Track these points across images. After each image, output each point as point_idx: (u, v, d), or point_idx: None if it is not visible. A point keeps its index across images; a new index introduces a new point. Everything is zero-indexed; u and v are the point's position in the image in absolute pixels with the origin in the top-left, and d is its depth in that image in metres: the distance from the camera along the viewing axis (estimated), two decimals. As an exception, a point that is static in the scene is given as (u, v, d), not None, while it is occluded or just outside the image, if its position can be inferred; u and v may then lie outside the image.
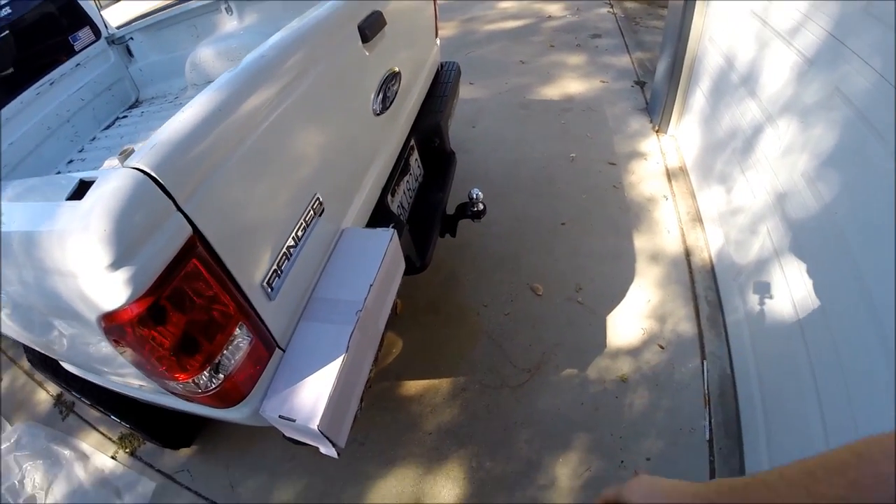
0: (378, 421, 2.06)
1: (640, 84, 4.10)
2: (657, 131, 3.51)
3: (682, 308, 2.30)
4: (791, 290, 1.65)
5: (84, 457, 2.26)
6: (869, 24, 1.41)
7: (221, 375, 1.05)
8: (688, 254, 2.56)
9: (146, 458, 2.16)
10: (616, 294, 2.41)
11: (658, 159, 3.24)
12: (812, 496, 0.47)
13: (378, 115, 1.74)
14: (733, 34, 2.45)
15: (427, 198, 2.18)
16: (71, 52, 2.70)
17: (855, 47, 1.46)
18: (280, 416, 1.14)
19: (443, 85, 2.40)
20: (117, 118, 2.90)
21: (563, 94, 4.10)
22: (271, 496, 1.94)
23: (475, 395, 2.08)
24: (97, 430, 2.31)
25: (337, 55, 1.45)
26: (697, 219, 2.75)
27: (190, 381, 1.01)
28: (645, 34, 5.00)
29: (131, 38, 2.94)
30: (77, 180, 0.90)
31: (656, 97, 3.56)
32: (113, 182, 0.85)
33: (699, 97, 2.96)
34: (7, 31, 2.43)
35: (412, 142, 2.12)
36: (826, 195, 1.53)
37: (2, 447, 2.28)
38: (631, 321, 2.27)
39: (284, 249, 1.22)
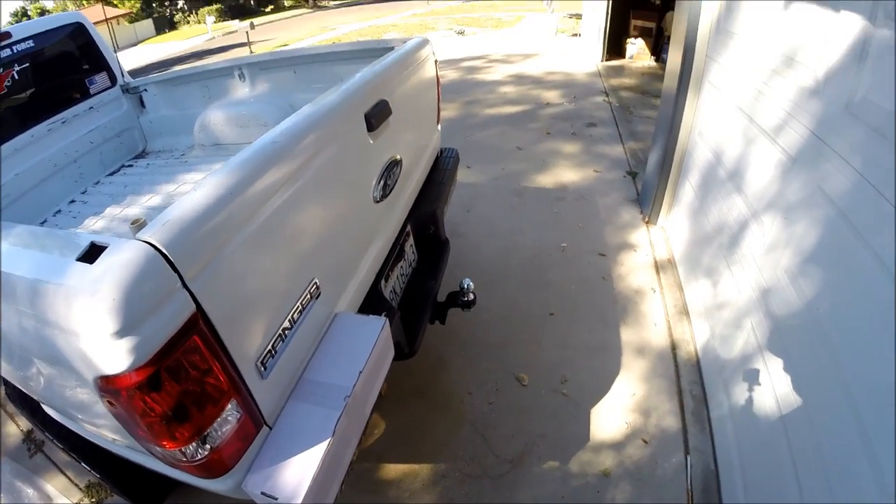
0: None
1: (633, 175, 4.27)
2: (647, 222, 3.63)
3: (667, 402, 2.31)
4: (774, 386, 1.67)
5: (48, 499, 2.20)
6: (849, 124, 1.44)
7: (208, 447, 1.08)
8: (674, 347, 2.60)
9: None
10: (601, 387, 2.42)
11: (647, 251, 3.34)
12: None
13: (378, 202, 1.82)
14: (721, 129, 2.56)
15: (419, 284, 2.22)
16: (86, 95, 2.81)
17: (836, 147, 1.49)
18: (262, 493, 1.16)
19: (441, 171, 2.50)
20: (123, 165, 2.99)
21: (557, 183, 4.27)
22: None
23: (455, 483, 2.06)
24: (64, 473, 2.29)
25: (343, 143, 1.54)
26: (684, 312, 2.80)
27: (177, 450, 1.03)
28: (638, 123, 5.25)
29: (145, 90, 3.06)
30: (89, 242, 0.95)
31: (647, 189, 3.70)
32: (125, 253, 0.90)
33: (688, 190, 3.07)
34: (28, 63, 2.53)
35: (408, 228, 2.19)
36: (808, 292, 1.55)
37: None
38: (615, 415, 2.27)
39: (280, 331, 1.26)
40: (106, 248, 0.92)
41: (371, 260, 1.82)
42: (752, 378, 1.86)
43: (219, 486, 1.20)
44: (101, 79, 2.91)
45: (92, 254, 0.92)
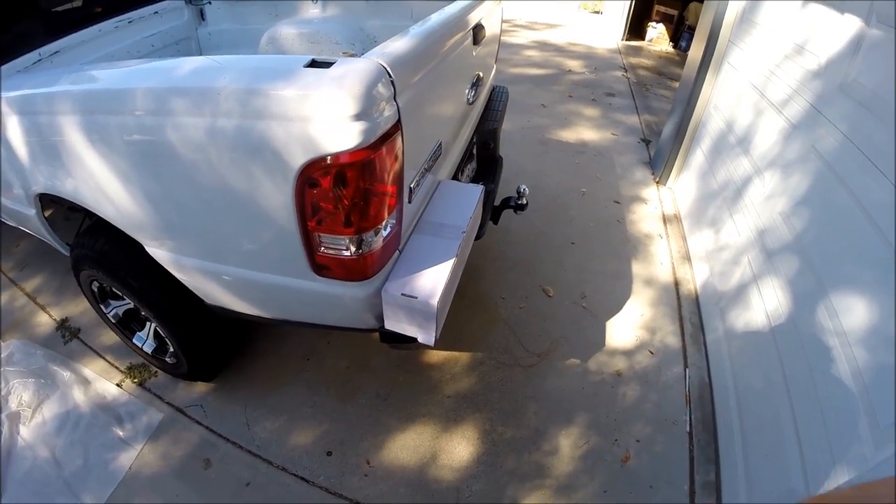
0: (401, 381, 2.31)
1: (646, 142, 4.58)
2: (658, 182, 3.96)
3: (670, 325, 2.66)
4: (766, 306, 2.02)
5: (85, 381, 2.21)
6: (841, 98, 1.84)
7: (364, 249, 1.32)
8: (676, 283, 2.95)
9: (156, 391, 2.22)
10: (614, 306, 2.77)
11: (656, 205, 3.68)
12: None
13: (469, 104, 2.16)
14: (735, 103, 2.91)
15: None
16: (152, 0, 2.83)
17: (829, 115, 1.89)
18: (402, 294, 1.43)
19: (496, 101, 2.78)
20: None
21: (577, 139, 4.57)
22: (289, 438, 2.05)
23: (490, 369, 2.38)
24: (103, 357, 2.36)
25: (462, 44, 1.86)
26: (687, 258, 3.15)
27: (348, 237, 1.27)
28: (653, 100, 5.55)
29: (209, 2, 3.08)
30: (310, 58, 1.20)
31: (660, 153, 4.02)
32: (360, 63, 1.16)
33: (699, 156, 3.41)
34: None
35: (474, 139, 2.48)
36: (798, 227, 1.93)
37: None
38: (626, 329, 2.63)
39: (423, 168, 1.58)
40: (333, 62, 1.17)
41: (457, 151, 2.16)
42: (746, 303, 2.21)
43: (358, 291, 1.44)
44: (165, -15, 2.95)
45: (318, 65, 1.18)
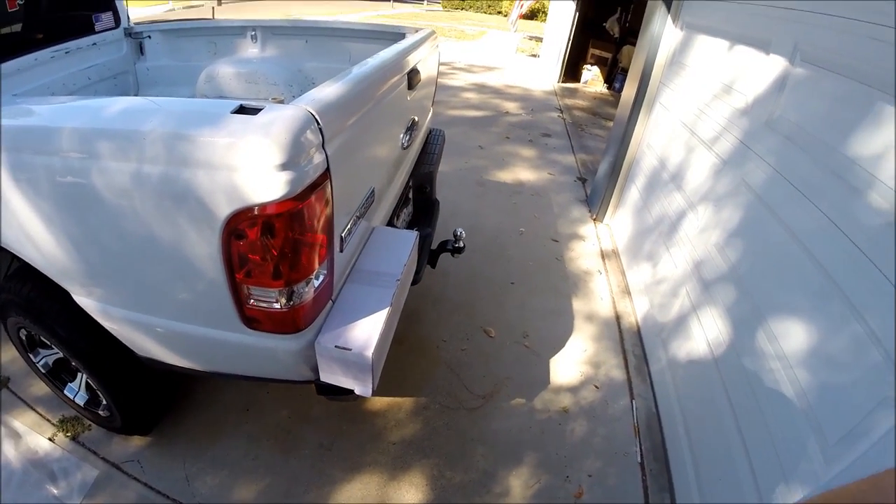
0: (344, 430, 2.22)
1: (582, 180, 4.74)
2: (595, 220, 4.09)
3: (613, 358, 2.70)
4: (706, 334, 2.07)
5: (15, 434, 2.08)
6: (768, 134, 1.95)
7: (294, 301, 1.27)
8: (618, 317, 3.01)
9: (90, 445, 2.08)
10: (557, 343, 2.79)
11: (594, 242, 3.78)
12: None
13: (403, 148, 2.15)
14: (667, 141, 3.06)
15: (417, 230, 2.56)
16: (90, 31, 2.74)
17: (757, 150, 2.00)
18: (336, 346, 1.37)
19: (432, 144, 2.82)
20: None
21: (514, 180, 4.68)
22: (231, 493, 1.95)
23: (435, 413, 2.33)
24: (34, 409, 2.21)
25: (396, 89, 1.86)
26: (626, 291, 3.23)
27: (277, 290, 1.23)
28: (589, 139, 5.78)
29: (148, 37, 3.02)
30: (238, 104, 1.15)
31: (596, 191, 4.16)
32: (288, 111, 1.13)
33: (634, 193, 3.55)
34: None
35: (409, 183, 2.48)
36: (732, 258, 2.01)
37: None
38: (570, 365, 2.64)
39: (355, 216, 1.54)
40: (261, 109, 1.14)
41: (392, 196, 2.13)
42: (686, 333, 2.27)
43: (291, 344, 1.38)
44: (106, 17, 2.87)
45: (244, 111, 1.14)
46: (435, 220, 2.64)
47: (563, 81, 8.53)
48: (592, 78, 8.60)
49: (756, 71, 2.15)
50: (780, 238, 1.72)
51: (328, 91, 1.33)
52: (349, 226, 1.51)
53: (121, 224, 1.27)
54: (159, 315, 1.47)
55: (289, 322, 1.32)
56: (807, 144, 1.70)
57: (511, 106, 6.72)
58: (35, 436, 2.09)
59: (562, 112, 6.66)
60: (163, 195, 1.17)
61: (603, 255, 3.61)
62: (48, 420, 2.17)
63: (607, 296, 3.19)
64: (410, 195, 2.57)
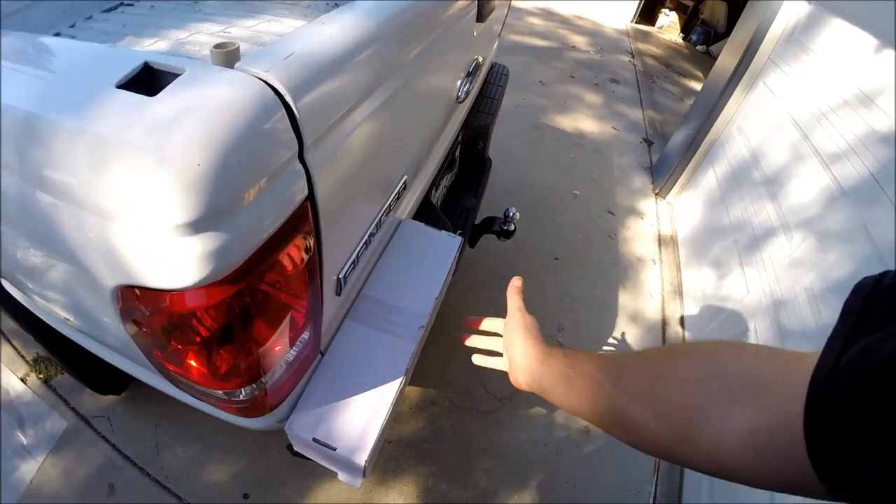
0: None
1: (649, 143, 4.19)
2: (657, 194, 3.58)
3: (653, 375, 2.33)
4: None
5: None
6: None
7: (259, 389, 0.78)
8: (664, 323, 2.62)
9: (61, 391, 1.88)
10: (593, 343, 2.43)
11: (653, 222, 3.31)
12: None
13: (459, 102, 1.55)
14: (767, 134, 2.50)
15: (457, 201, 1.98)
16: None
17: (892, 196, 1.51)
18: (315, 440, 0.90)
19: (493, 87, 2.22)
20: (122, 3, 2.53)
21: (575, 129, 4.14)
22: (202, 471, 1.72)
23: (443, 412, 2.03)
24: (10, 342, 2.00)
25: (461, 22, 1.28)
26: (679, 292, 2.81)
27: (227, 392, 0.75)
28: (659, 95, 5.12)
29: None
30: (141, 62, 0.57)
31: (664, 162, 3.63)
32: (221, 89, 0.53)
33: (710, 178, 3.03)
34: None
35: (459, 137, 1.92)
36: (826, 317, 1.58)
37: None
38: (604, 375, 2.28)
39: (367, 236, 0.98)
40: (177, 75, 0.55)
41: (433, 165, 1.55)
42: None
43: (252, 424, 0.93)
44: None
45: (148, 82, 0.56)
46: (483, 186, 2.13)
47: (637, 22, 7.64)
48: (669, 24, 7.66)
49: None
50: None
51: (329, 37, 0.69)
52: (355, 255, 0.96)
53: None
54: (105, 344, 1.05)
55: (253, 409, 0.85)
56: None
57: (578, 40, 5.97)
58: (8, 374, 1.93)
59: (633, 57, 5.91)
60: (31, 224, 0.65)
61: (660, 241, 3.16)
62: (23, 357, 1.98)
63: (657, 293, 2.78)
64: (457, 153, 2.02)
